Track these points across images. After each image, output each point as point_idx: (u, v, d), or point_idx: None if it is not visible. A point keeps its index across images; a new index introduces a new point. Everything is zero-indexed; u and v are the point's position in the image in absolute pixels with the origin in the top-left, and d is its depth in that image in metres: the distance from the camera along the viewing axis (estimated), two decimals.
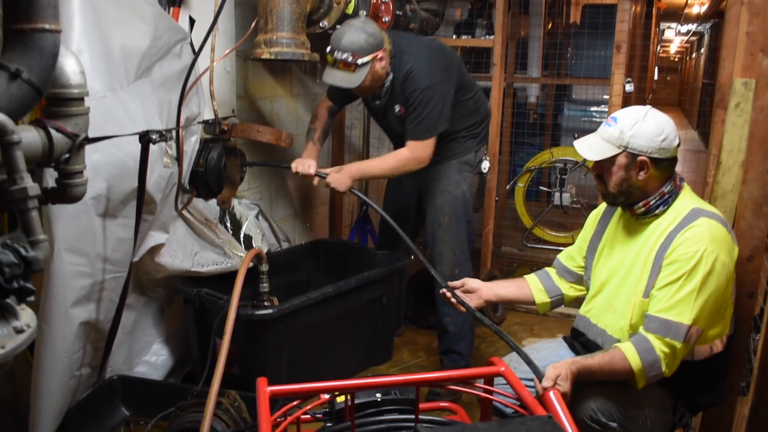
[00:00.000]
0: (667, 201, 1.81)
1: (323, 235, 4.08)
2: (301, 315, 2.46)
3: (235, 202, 2.90)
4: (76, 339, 2.07)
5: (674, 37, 18.78)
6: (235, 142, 2.40)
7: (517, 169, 5.58)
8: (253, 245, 2.85)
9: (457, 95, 2.70)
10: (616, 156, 1.79)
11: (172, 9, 2.54)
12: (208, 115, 2.81)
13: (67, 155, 1.61)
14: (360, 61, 2.47)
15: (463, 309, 2.01)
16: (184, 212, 2.63)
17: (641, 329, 1.74)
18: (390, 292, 2.89)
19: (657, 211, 1.81)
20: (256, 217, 3.01)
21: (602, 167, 1.84)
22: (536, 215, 5.27)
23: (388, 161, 2.73)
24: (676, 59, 25.21)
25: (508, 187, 5.11)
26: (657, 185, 1.80)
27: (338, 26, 2.59)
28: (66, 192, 1.66)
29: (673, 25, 15.74)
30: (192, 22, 2.68)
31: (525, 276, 2.21)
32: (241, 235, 2.86)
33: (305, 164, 2.72)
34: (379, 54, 2.53)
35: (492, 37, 3.47)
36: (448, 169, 2.83)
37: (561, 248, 5.06)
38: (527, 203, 5.29)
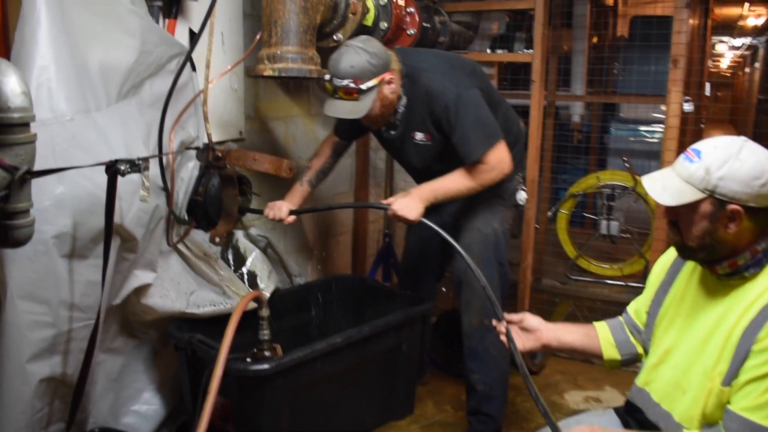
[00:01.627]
0: (760, 262, 1.41)
1: (345, 268, 3.76)
2: (305, 369, 2.14)
3: (239, 234, 2.61)
4: (36, 398, 1.78)
5: (726, 51, 18.04)
6: (233, 170, 2.10)
7: (560, 194, 5.19)
8: (258, 283, 2.55)
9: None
10: (699, 202, 1.40)
11: (167, 21, 2.28)
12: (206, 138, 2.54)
13: (5, 192, 1.33)
14: (364, 87, 2.15)
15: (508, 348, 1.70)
16: (180, 246, 2.35)
17: (720, 427, 1.36)
18: (411, 339, 2.55)
19: (746, 274, 1.42)
20: (264, 250, 2.72)
21: (678, 213, 1.45)
22: (581, 244, 4.86)
23: (463, 177, 2.27)
24: (728, 74, 24.27)
25: (549, 213, 4.71)
26: (749, 241, 1.41)
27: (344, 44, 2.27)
28: (7, 235, 1.38)
29: (725, 38, 15.08)
30: (192, 35, 2.42)
31: (594, 323, 1.83)
32: (245, 272, 2.56)
33: (276, 207, 2.43)
34: (386, 76, 2.21)
35: (531, 51, 3.12)
36: (476, 203, 2.48)
37: (607, 281, 4.79)
38: (571, 231, 4.89)
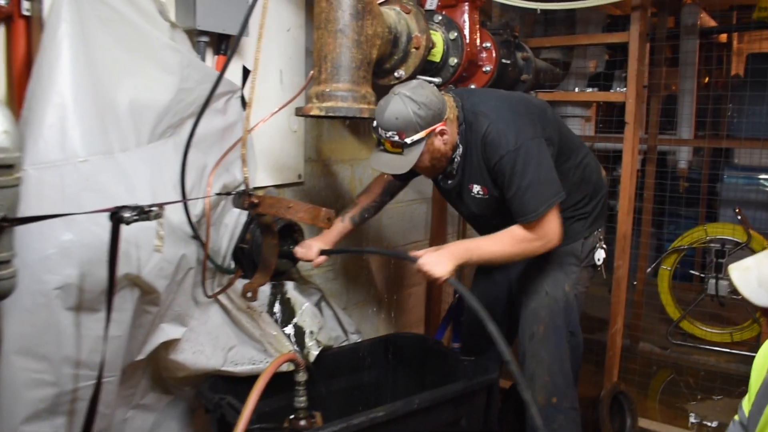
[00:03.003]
0: None
1: (417, 324, 3.49)
2: None
3: (289, 285, 2.41)
4: None
5: None
6: (270, 218, 1.92)
7: (665, 246, 4.69)
8: (306, 341, 2.33)
9: (557, 161, 2.06)
10: None
11: (216, 57, 2.15)
12: (260, 182, 2.38)
13: None
14: (408, 141, 1.92)
15: None
16: (222, 297, 2.18)
17: None
18: (471, 413, 2.23)
19: None
20: (317, 304, 2.50)
21: None
22: (685, 305, 4.33)
23: (504, 241, 2.00)
24: None
25: (649, 269, 4.24)
26: None
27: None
28: None
29: None
30: (246, 72, 2.28)
31: None
32: (292, 328, 2.35)
33: (305, 245, 2.22)
34: (438, 127, 1.96)
35: (625, 90, 2.79)
36: (546, 263, 2.17)
37: (715, 348, 4.23)
38: (675, 290, 4.38)
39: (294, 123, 2.51)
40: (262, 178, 2.39)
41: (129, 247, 1.65)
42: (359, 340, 2.64)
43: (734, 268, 1.19)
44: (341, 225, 2.36)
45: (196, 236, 1.86)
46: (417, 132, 1.91)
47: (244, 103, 2.26)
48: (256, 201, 1.84)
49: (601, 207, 2.28)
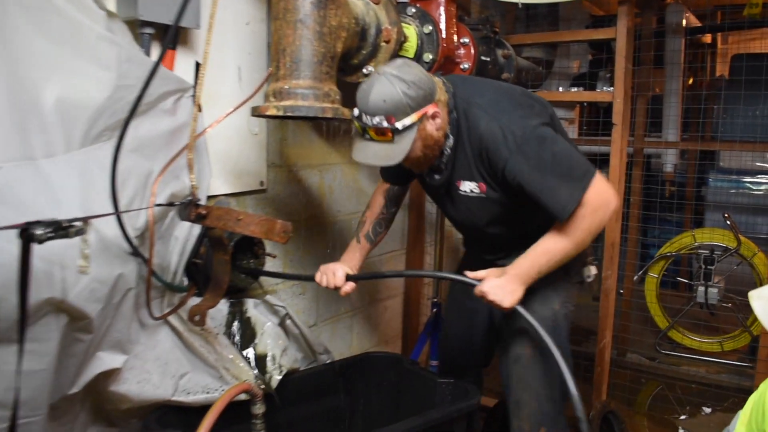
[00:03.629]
0: None
1: (393, 339, 3.29)
2: None
3: (249, 303, 2.19)
4: None
5: None
6: (221, 231, 1.70)
7: (651, 252, 4.53)
8: (268, 365, 2.11)
9: None
10: None
11: (165, 52, 1.93)
12: (216, 190, 2.17)
13: None
14: (400, 125, 1.67)
15: None
16: (173, 318, 1.96)
17: None
18: None
19: None
20: (281, 323, 2.29)
21: None
22: (673, 313, 4.17)
23: (565, 232, 1.73)
24: None
25: (636, 277, 4.08)
26: None
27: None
28: None
29: None
30: (198, 69, 2.07)
31: None
32: (252, 351, 2.13)
33: (329, 272, 2.01)
34: (429, 109, 1.72)
35: (612, 89, 2.61)
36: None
37: (704, 358, 4.07)
38: (662, 297, 4.22)
39: (254, 125, 2.30)
40: (218, 185, 2.17)
41: (52, 267, 1.43)
42: (328, 362, 2.43)
43: (756, 297, 1.02)
44: (359, 246, 2.18)
45: (136, 252, 1.64)
46: (408, 115, 1.68)
47: (199, 104, 2.05)
48: (203, 212, 1.63)
49: None
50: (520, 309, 1.77)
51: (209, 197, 2.12)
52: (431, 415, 1.97)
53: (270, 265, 2.24)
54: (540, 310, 1.94)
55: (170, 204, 1.64)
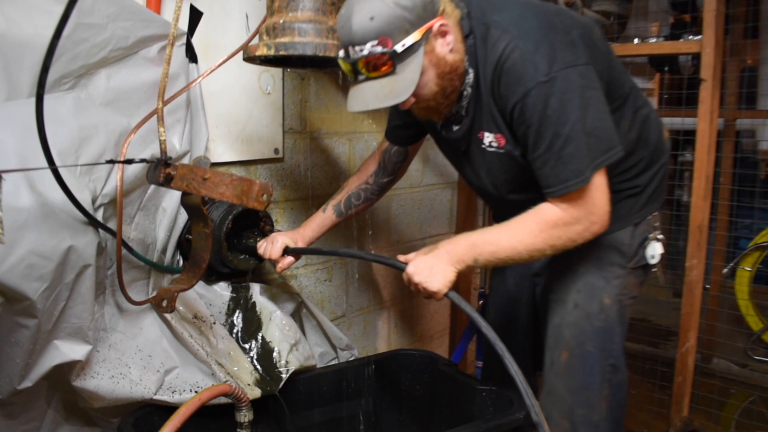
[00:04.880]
0: None
1: (437, 338, 2.92)
2: None
3: (255, 288, 1.88)
4: None
5: None
6: (198, 198, 1.39)
7: (741, 243, 3.97)
8: (275, 360, 1.80)
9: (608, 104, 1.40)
10: None
11: None
12: (219, 157, 1.87)
13: None
14: (400, 46, 1.25)
15: None
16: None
17: None
18: None
19: None
20: (294, 313, 1.96)
21: None
22: None
23: (527, 228, 1.36)
24: None
25: (725, 270, 3.54)
26: None
27: None
28: None
29: None
30: (194, 14, 1.77)
31: None
32: (255, 345, 1.82)
33: (270, 240, 1.69)
34: (436, 23, 1.30)
35: (699, 37, 2.15)
36: (578, 260, 1.53)
37: None
38: (755, 295, 3.66)
39: (267, 83, 1.98)
40: (221, 151, 1.87)
41: None
42: (351, 358, 2.09)
43: None
44: (321, 216, 1.82)
45: (95, 222, 1.35)
46: (407, 32, 1.26)
47: (193, 53, 1.75)
48: (172, 173, 1.32)
49: (660, 180, 1.59)
50: (454, 296, 1.37)
51: (211, 165, 1.82)
52: (463, 431, 1.60)
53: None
54: (584, 304, 1.51)
55: (128, 161, 1.34)
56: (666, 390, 2.46)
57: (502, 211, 1.53)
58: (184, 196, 1.39)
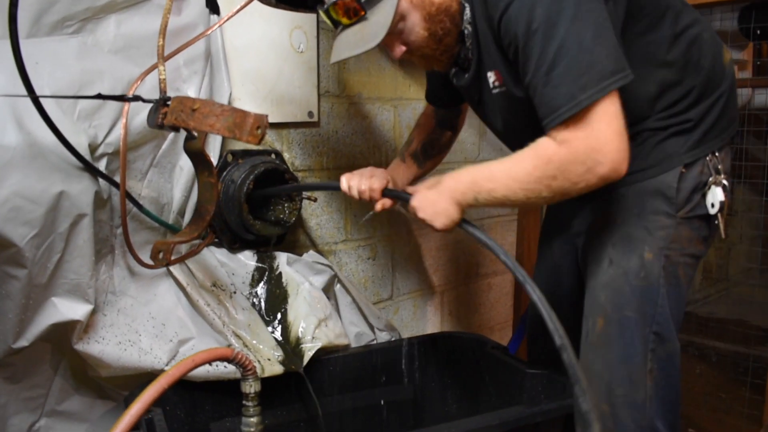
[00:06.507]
0: None
1: (498, 329, 2.70)
2: None
3: (281, 258, 1.74)
4: None
5: None
6: (201, 144, 1.26)
7: None
8: (300, 335, 1.65)
9: (634, 23, 1.16)
10: None
11: None
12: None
13: None
14: None
15: None
16: (178, 269, 1.57)
17: None
18: None
19: None
20: (325, 288, 1.81)
21: None
22: None
23: (524, 163, 1.14)
24: None
25: None
26: None
27: None
28: None
29: None
30: None
31: None
32: (280, 318, 1.68)
33: (363, 176, 1.45)
34: None
35: None
36: (615, 210, 1.29)
37: None
38: None
39: (299, 40, 1.85)
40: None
41: None
42: (391, 339, 1.92)
43: None
44: (403, 165, 1.66)
45: (89, 167, 1.25)
46: None
47: (214, 4, 1.64)
48: (166, 112, 1.19)
49: (720, 113, 1.28)
50: (467, 226, 1.25)
51: None
52: (506, 415, 1.39)
53: (323, 218, 1.78)
54: (620, 259, 1.26)
55: (121, 97, 1.22)
56: (759, 394, 2.14)
57: None
58: (186, 141, 1.27)
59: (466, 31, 1.26)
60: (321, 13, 1.24)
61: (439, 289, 2.41)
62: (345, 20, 1.20)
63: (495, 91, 1.27)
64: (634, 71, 1.07)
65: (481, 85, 1.30)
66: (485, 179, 1.19)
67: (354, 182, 1.45)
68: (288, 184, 1.70)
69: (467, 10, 1.23)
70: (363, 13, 1.17)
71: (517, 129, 1.31)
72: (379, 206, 1.43)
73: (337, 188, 1.50)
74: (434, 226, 1.26)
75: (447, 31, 1.25)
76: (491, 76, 1.25)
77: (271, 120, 1.81)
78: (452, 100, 1.62)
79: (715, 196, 1.23)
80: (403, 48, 1.26)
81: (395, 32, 1.22)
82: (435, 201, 1.25)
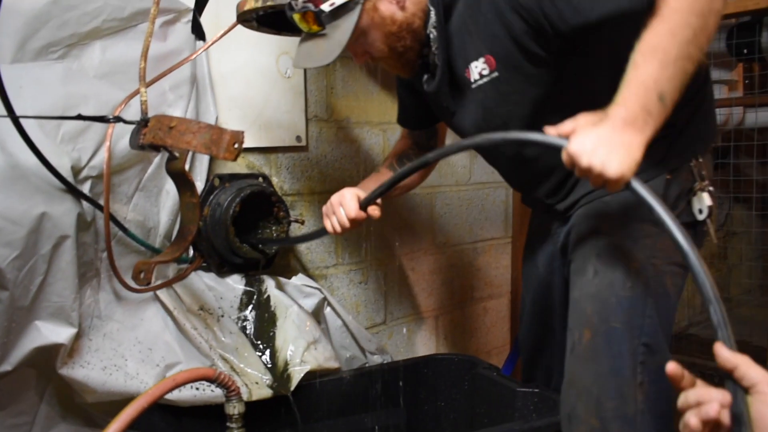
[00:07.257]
0: None
1: (496, 354, 2.67)
2: None
3: (269, 282, 1.74)
4: None
5: None
6: (182, 164, 1.26)
7: None
8: (289, 358, 1.64)
9: (623, 28, 1.07)
10: None
11: None
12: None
13: None
14: (327, 6, 1.18)
15: None
16: (165, 294, 1.56)
17: None
18: None
19: None
20: (315, 311, 1.80)
21: None
22: None
23: (661, 22, 1.00)
24: None
25: None
26: None
27: None
28: None
29: None
30: None
31: None
32: (269, 342, 1.67)
33: (335, 208, 1.45)
34: None
35: None
36: (602, 221, 1.27)
37: None
38: None
39: (286, 66, 1.88)
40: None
41: None
42: (382, 362, 1.90)
43: None
44: (377, 175, 1.63)
45: (71, 188, 1.25)
46: None
47: (200, 30, 1.67)
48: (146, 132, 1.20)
49: (703, 117, 1.28)
50: (636, 185, 0.98)
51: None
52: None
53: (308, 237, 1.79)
54: (605, 270, 1.22)
55: (101, 118, 1.23)
56: None
57: (519, 174, 1.33)
58: (168, 161, 1.28)
59: (431, 36, 1.27)
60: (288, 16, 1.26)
61: (433, 314, 2.39)
62: (307, 27, 1.23)
63: (480, 82, 1.26)
64: (622, 75, 1.06)
65: (457, 85, 1.31)
66: (653, 77, 1.00)
67: (333, 220, 1.46)
68: (280, 238, 1.72)
69: (432, 15, 1.26)
70: (323, 28, 1.21)
71: (497, 122, 1.29)
72: (372, 215, 1.44)
73: (326, 233, 1.50)
74: (606, 172, 0.98)
75: (408, 48, 1.29)
76: (477, 66, 1.25)
77: (259, 144, 1.83)
78: (426, 119, 1.62)
79: (702, 201, 1.23)
80: (365, 56, 1.30)
81: (357, 43, 1.26)
82: (609, 137, 1.00)
